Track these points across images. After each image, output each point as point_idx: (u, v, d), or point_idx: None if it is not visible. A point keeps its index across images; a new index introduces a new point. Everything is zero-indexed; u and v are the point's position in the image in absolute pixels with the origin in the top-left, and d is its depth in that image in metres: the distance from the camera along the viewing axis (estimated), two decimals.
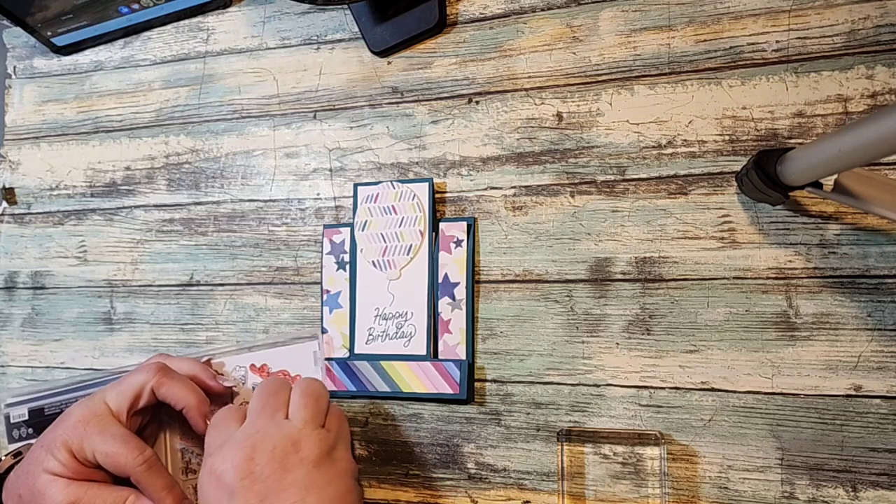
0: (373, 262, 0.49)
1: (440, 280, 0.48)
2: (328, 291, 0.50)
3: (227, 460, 0.36)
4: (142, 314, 0.55)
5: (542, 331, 0.46)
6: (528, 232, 0.48)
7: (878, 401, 0.41)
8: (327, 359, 0.49)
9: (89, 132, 0.60)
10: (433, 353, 0.47)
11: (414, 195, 0.49)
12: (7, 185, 0.61)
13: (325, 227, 0.51)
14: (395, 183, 0.50)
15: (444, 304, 0.48)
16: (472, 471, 0.46)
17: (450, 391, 0.46)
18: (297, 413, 0.39)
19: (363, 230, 0.50)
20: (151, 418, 0.45)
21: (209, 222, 0.55)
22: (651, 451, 0.43)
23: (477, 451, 0.46)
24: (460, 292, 0.47)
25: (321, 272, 0.51)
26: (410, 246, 0.48)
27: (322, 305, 0.51)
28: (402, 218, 0.49)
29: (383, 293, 0.49)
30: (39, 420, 0.48)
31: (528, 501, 0.45)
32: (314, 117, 0.54)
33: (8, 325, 0.58)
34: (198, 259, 0.55)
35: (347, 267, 0.50)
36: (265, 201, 0.54)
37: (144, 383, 0.42)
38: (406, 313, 0.48)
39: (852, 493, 0.40)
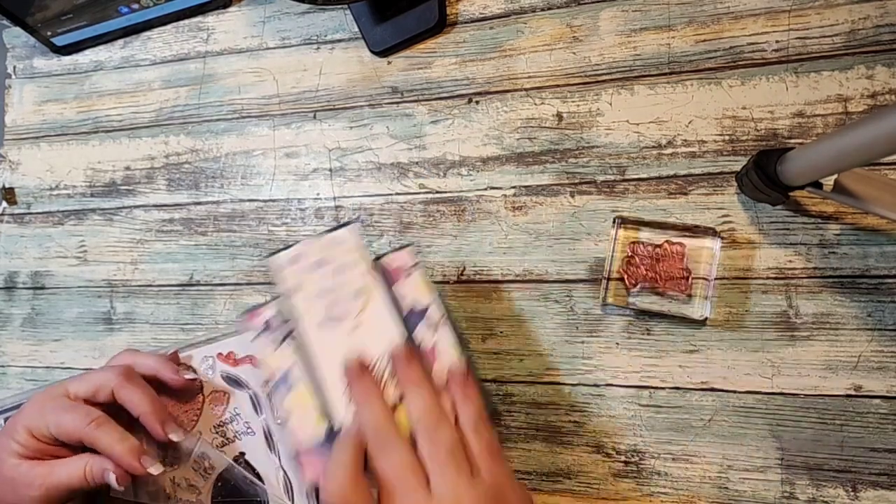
0: (318, 323, 0.41)
1: (405, 312, 0.41)
2: (272, 378, 0.40)
3: None
4: (141, 314, 0.55)
5: (542, 331, 0.46)
6: (528, 232, 0.48)
7: (878, 401, 0.41)
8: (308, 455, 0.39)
9: (89, 132, 0.60)
10: None
11: (343, 242, 0.42)
12: (7, 185, 0.61)
13: (240, 316, 0.44)
14: (313, 238, 0.42)
15: (421, 332, 0.40)
16: None
17: None
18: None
19: (295, 296, 0.41)
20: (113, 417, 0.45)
21: (209, 222, 0.55)
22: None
23: None
24: (435, 312, 0.41)
25: (255, 365, 0.44)
26: (357, 289, 0.41)
27: (271, 401, 0.43)
28: (337, 265, 0.42)
29: (346, 348, 0.40)
30: None
31: None
32: (314, 117, 0.54)
33: (8, 325, 0.58)
34: (197, 259, 0.55)
35: (289, 340, 0.41)
36: (265, 201, 0.54)
37: (107, 381, 0.42)
38: (381, 358, 0.40)
39: (852, 493, 0.40)
